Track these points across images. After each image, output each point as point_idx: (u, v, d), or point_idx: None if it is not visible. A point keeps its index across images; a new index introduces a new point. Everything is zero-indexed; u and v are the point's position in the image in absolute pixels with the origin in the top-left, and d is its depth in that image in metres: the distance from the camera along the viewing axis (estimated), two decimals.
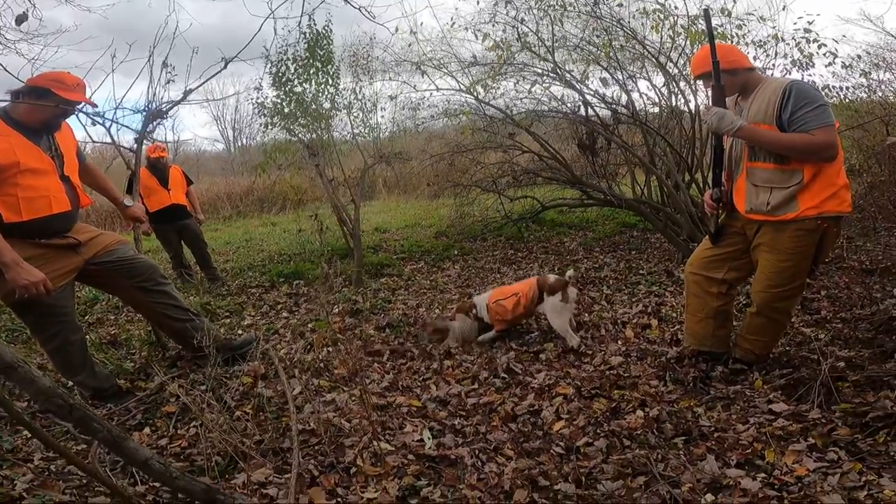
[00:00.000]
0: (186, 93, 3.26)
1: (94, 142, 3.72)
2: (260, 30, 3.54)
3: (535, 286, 3.19)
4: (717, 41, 2.38)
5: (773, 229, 2.29)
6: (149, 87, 3.23)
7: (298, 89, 5.45)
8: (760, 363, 2.55)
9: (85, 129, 3.53)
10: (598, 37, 5.32)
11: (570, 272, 3.27)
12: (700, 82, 2.56)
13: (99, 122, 3.15)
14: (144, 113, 3.23)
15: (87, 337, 3.75)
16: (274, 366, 2.73)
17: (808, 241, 2.24)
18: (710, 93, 2.35)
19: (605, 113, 5.94)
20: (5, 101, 2.41)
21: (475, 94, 6.02)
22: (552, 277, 3.23)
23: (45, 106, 2.35)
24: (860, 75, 5.57)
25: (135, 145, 3.31)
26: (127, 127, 3.24)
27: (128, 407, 2.58)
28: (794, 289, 2.36)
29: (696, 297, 2.58)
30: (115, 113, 3.25)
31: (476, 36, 5.51)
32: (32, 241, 2.37)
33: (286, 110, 5.48)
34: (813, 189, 2.18)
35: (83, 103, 2.51)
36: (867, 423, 2.00)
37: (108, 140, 3.23)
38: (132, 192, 3.09)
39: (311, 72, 5.45)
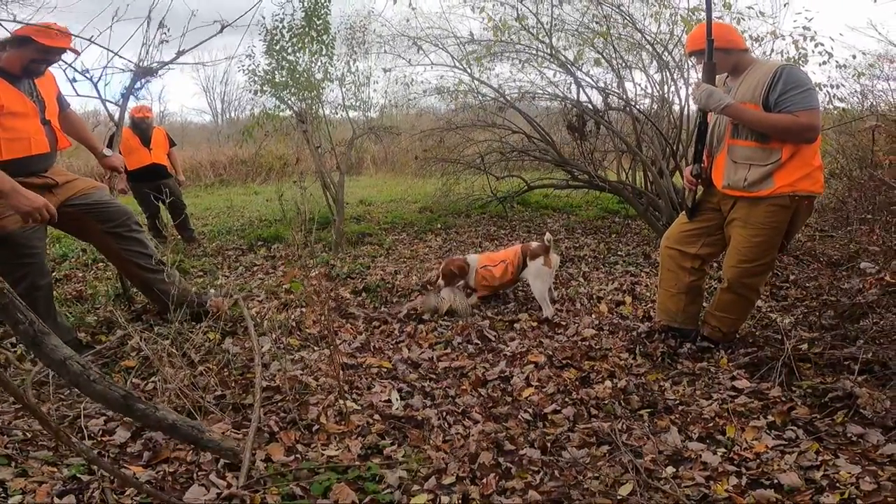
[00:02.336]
0: (179, 53, 3.18)
1: (79, 95, 3.62)
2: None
3: (519, 252, 3.23)
4: (716, 22, 2.35)
5: (748, 204, 2.34)
6: (142, 47, 3.15)
7: (291, 58, 5.32)
8: (727, 342, 2.59)
9: (71, 83, 3.41)
10: (597, 23, 5.27)
11: (548, 236, 3.27)
12: (693, 59, 2.58)
13: (87, 78, 3.06)
14: (134, 70, 3.14)
15: (54, 293, 3.69)
16: (244, 321, 2.68)
17: (780, 216, 2.30)
18: (700, 69, 2.36)
19: (596, 98, 5.92)
20: None
21: (469, 71, 5.94)
22: (534, 244, 3.25)
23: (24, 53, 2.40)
24: (853, 77, 5.58)
25: (121, 101, 3.23)
26: (117, 64, 3.13)
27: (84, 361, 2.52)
28: (765, 264, 2.41)
29: (670, 272, 2.63)
30: (103, 70, 3.14)
31: (473, 10, 5.42)
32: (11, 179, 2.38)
33: (277, 78, 5.34)
34: (789, 168, 2.24)
35: (65, 50, 2.52)
36: (826, 402, 2.05)
37: (95, 95, 3.13)
38: (112, 146, 3.03)
39: (306, 41, 5.32)
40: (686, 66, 5.10)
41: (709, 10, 2.33)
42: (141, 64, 3.16)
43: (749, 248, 2.36)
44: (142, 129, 5.09)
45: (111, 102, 3.26)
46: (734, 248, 2.42)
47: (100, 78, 3.08)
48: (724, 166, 2.40)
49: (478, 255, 3.34)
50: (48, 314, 2.56)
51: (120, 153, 4.75)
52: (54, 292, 3.69)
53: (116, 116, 3.23)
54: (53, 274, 4.25)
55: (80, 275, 4.28)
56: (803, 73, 2.27)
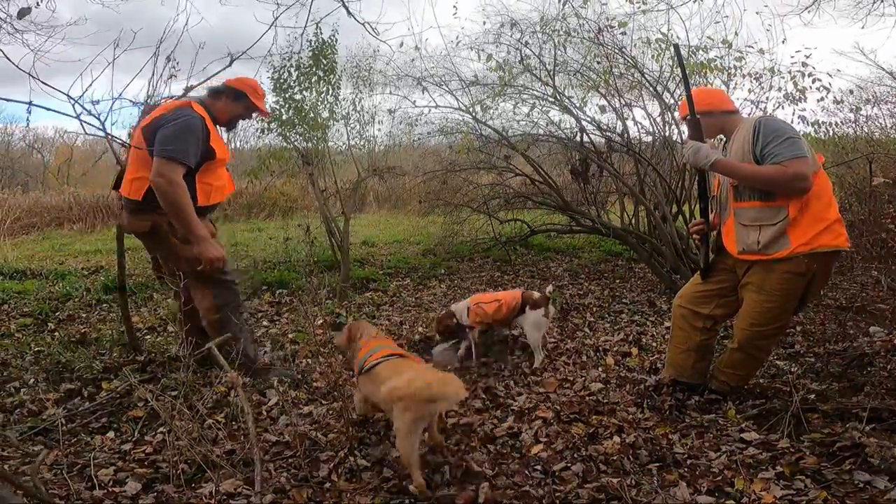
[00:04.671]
0: (187, 89, 3.23)
1: (86, 134, 3.68)
2: (267, 31, 3.55)
3: (518, 298, 3.27)
4: (706, 87, 2.46)
5: (764, 269, 2.30)
6: (150, 81, 3.22)
7: (298, 97, 5.46)
8: (735, 394, 2.59)
9: (79, 119, 3.48)
10: (598, 63, 5.40)
11: (549, 288, 3.33)
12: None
13: (94, 116, 3.12)
14: (141, 106, 3.20)
15: (56, 334, 3.72)
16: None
17: (796, 283, 2.25)
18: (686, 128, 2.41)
19: (599, 140, 6.04)
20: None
21: (473, 113, 6.08)
22: (536, 294, 3.28)
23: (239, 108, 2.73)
24: (850, 110, 5.70)
25: (128, 140, 3.27)
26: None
27: (91, 409, 2.52)
28: (777, 328, 2.39)
29: (681, 330, 2.61)
30: (111, 105, 3.22)
31: (479, 56, 5.58)
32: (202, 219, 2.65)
33: (284, 117, 5.47)
34: (802, 224, 2.19)
35: (259, 112, 2.81)
36: (834, 452, 2.06)
37: (101, 134, 3.18)
38: (119, 186, 3.04)
39: (313, 80, 5.46)
40: None
41: (683, 69, 2.42)
42: (149, 100, 3.19)
43: (761, 312, 2.33)
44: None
45: (118, 141, 3.30)
46: (747, 311, 2.38)
47: (107, 116, 3.13)
48: (734, 231, 2.37)
49: (466, 300, 3.41)
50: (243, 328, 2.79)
51: None
52: (57, 333, 3.75)
53: (123, 157, 3.24)
54: (56, 314, 4.27)
55: (84, 315, 4.29)
56: (782, 122, 2.30)
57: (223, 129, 2.76)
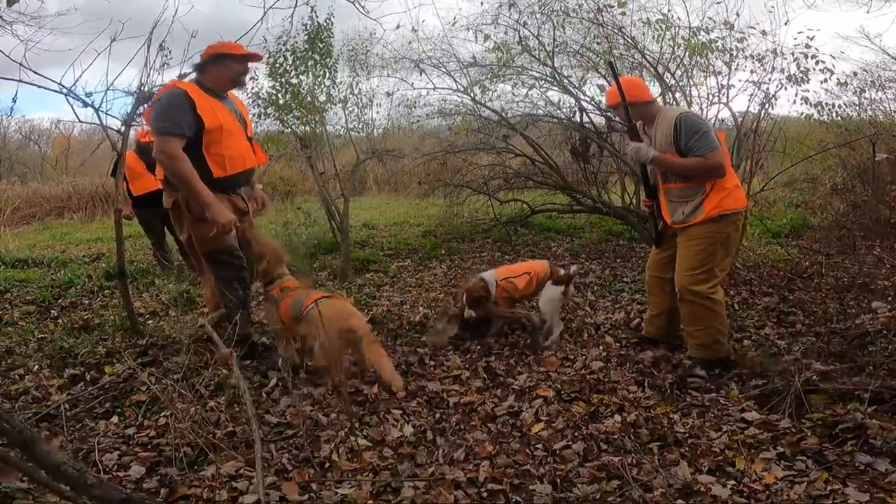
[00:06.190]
0: (181, 76, 3.20)
1: (80, 122, 3.65)
2: (261, 19, 3.50)
3: (547, 269, 3.23)
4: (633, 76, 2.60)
5: (690, 228, 2.74)
6: (142, 70, 3.17)
7: (295, 81, 5.39)
8: (714, 358, 2.72)
9: (73, 109, 3.46)
10: (598, 44, 5.34)
11: (574, 268, 3.34)
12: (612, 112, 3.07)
13: (88, 104, 3.10)
14: (135, 95, 3.16)
15: (60, 321, 3.73)
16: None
17: (714, 228, 2.67)
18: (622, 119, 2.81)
19: (599, 120, 5.97)
20: None
21: (472, 94, 6.01)
22: (562, 270, 3.26)
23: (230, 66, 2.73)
24: (854, 93, 5.62)
25: (123, 127, 3.24)
26: (112, 115, 3.18)
27: (95, 395, 2.54)
28: (707, 272, 2.69)
29: (654, 296, 3.04)
30: (105, 94, 3.18)
31: (476, 36, 5.50)
32: (226, 194, 2.76)
33: (281, 101, 5.41)
34: (711, 195, 2.66)
35: (258, 57, 2.85)
36: (835, 433, 2.05)
37: (96, 121, 3.16)
38: (116, 174, 3.04)
39: (310, 64, 5.40)
40: (689, 86, 5.14)
41: (617, 82, 2.71)
42: (142, 88, 3.17)
43: (691, 256, 2.70)
44: (148, 153, 5.05)
45: (113, 129, 3.27)
46: (680, 260, 2.77)
47: (101, 103, 3.12)
48: (666, 206, 2.83)
49: (492, 270, 3.27)
50: (247, 312, 2.90)
51: (125, 179, 4.82)
52: (60, 320, 3.76)
53: (118, 144, 3.22)
54: (59, 301, 4.27)
55: (87, 302, 4.30)
56: (697, 118, 2.73)
57: (231, 87, 2.82)
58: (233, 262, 2.80)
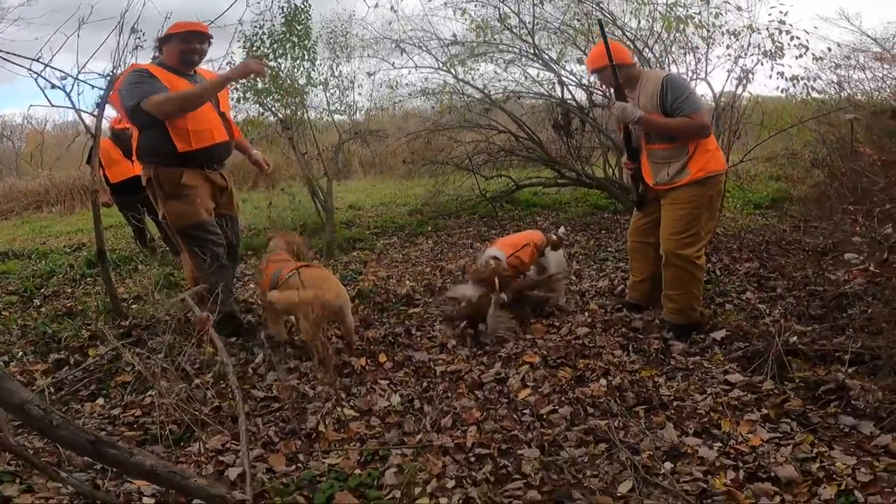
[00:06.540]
0: (155, 59, 3.13)
1: (52, 105, 3.54)
2: (235, 2, 3.41)
3: (542, 237, 3.20)
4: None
5: (674, 190, 2.76)
6: (114, 53, 3.09)
7: (273, 64, 5.29)
8: (688, 324, 2.77)
9: (44, 92, 3.37)
10: (578, 20, 5.32)
11: (561, 230, 3.32)
12: (595, 77, 3.02)
13: (60, 88, 3.01)
14: (108, 77, 3.08)
15: (43, 310, 3.68)
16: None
17: (698, 191, 2.69)
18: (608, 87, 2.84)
19: (580, 95, 5.97)
20: None
21: (454, 72, 5.96)
22: (554, 235, 3.25)
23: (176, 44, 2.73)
24: (830, 69, 5.66)
25: (97, 110, 3.16)
26: (87, 83, 3.07)
27: (80, 377, 2.52)
28: (692, 235, 2.72)
29: (637, 262, 3.08)
30: (76, 78, 3.09)
31: (454, 13, 5.44)
32: (201, 170, 2.76)
33: (259, 85, 5.31)
34: (696, 157, 2.68)
35: (203, 34, 2.78)
36: (818, 395, 2.07)
37: (69, 105, 3.07)
38: (90, 160, 2.98)
39: (287, 46, 5.30)
40: (668, 62, 5.15)
41: (605, 42, 2.69)
42: (115, 72, 3.11)
43: (677, 220, 2.72)
44: (123, 140, 4.93)
45: (86, 113, 3.20)
46: (665, 224, 2.78)
47: (72, 88, 3.05)
48: (649, 168, 2.83)
49: (495, 248, 3.11)
50: (228, 289, 2.85)
51: (101, 165, 4.72)
52: (43, 309, 3.71)
53: (93, 128, 3.15)
54: (41, 290, 4.21)
55: (69, 290, 4.24)
56: (682, 79, 2.82)
57: (186, 67, 2.77)
58: (206, 237, 2.77)
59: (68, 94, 3.04)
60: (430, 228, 5.83)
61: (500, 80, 6.14)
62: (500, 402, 2.23)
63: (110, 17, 3.00)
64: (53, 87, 2.98)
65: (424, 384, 2.41)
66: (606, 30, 5.18)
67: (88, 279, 4.47)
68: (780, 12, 4.72)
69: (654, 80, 2.69)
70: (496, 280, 2.79)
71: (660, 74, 2.75)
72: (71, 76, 2.92)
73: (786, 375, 2.23)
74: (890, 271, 2.26)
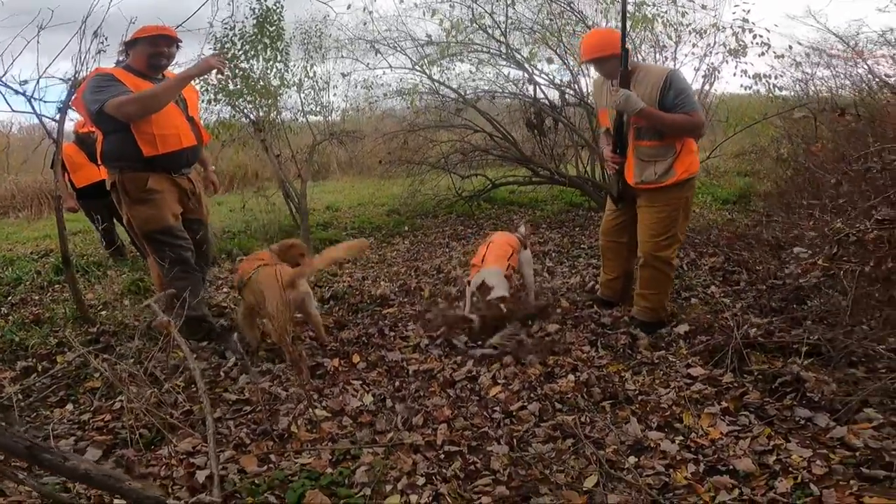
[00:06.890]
0: (119, 63, 3.09)
1: (13, 111, 3.48)
2: (204, 3, 3.38)
3: (516, 240, 3.16)
4: (601, 27, 2.57)
5: (655, 191, 2.74)
6: (76, 57, 3.04)
7: (245, 65, 5.24)
8: (656, 321, 2.82)
9: (4, 98, 3.30)
10: (550, 20, 5.39)
11: (522, 229, 3.35)
12: (591, 66, 2.92)
13: (20, 93, 2.97)
14: (69, 82, 3.04)
15: (10, 318, 3.60)
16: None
17: (678, 193, 2.71)
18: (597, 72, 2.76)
19: (553, 94, 6.05)
20: None
21: (429, 73, 5.99)
22: (520, 234, 3.26)
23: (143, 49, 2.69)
24: (792, 66, 5.83)
25: (58, 115, 3.11)
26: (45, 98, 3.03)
27: (49, 384, 2.49)
28: (671, 237, 2.75)
29: (609, 260, 3.11)
30: (37, 83, 3.03)
31: (424, 14, 5.48)
32: (168, 174, 2.74)
33: (230, 87, 5.26)
34: (682, 157, 2.68)
35: (170, 37, 2.74)
36: (776, 387, 2.13)
37: (30, 110, 3.02)
38: (53, 165, 2.94)
39: (259, 48, 5.26)
40: (638, 61, 5.26)
41: (624, 20, 2.63)
42: (77, 76, 3.06)
43: (656, 223, 2.73)
44: (88, 144, 4.82)
45: (48, 118, 3.15)
46: (644, 226, 2.79)
47: (33, 92, 3.00)
48: (633, 165, 2.76)
49: (492, 266, 2.95)
50: (198, 293, 2.80)
51: (65, 170, 4.63)
52: (11, 317, 3.63)
53: (55, 133, 3.10)
54: (9, 298, 4.11)
55: (37, 297, 4.14)
56: (684, 77, 2.74)
57: (153, 71, 2.74)
58: (173, 242, 2.75)
59: (29, 100, 3.00)
60: (406, 228, 5.84)
61: (473, 80, 6.22)
62: (472, 400, 2.27)
63: (72, 21, 2.98)
64: (16, 92, 2.95)
65: (397, 383, 2.43)
66: (578, 28, 5.39)
67: (56, 286, 4.38)
68: (744, 10, 4.88)
69: (657, 73, 2.63)
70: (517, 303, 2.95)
71: (663, 69, 2.72)
72: (28, 82, 2.90)
73: (745, 368, 2.28)
74: (839, 265, 2.34)
